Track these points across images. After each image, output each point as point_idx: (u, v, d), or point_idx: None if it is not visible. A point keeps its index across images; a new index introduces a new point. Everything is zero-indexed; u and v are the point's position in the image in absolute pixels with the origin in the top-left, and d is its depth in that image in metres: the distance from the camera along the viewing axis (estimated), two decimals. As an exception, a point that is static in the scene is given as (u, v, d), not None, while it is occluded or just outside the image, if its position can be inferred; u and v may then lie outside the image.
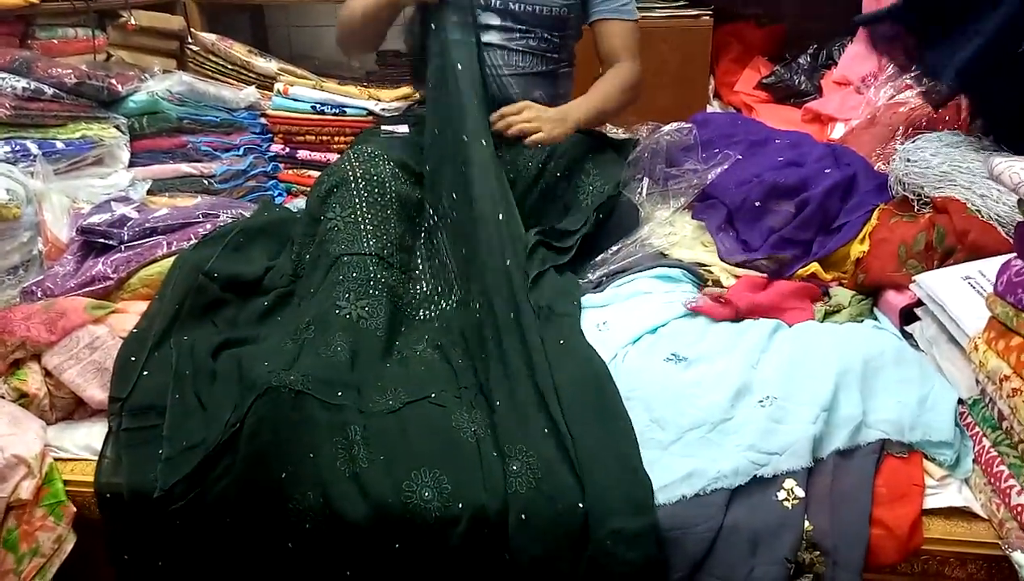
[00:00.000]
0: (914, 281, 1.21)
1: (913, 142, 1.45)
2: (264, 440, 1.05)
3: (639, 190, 1.52)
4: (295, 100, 2.07)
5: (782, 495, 0.99)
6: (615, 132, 1.84)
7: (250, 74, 2.18)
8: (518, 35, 1.68)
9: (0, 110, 1.56)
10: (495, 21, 1.66)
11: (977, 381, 1.05)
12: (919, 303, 1.21)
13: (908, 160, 1.40)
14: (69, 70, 1.70)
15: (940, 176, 1.33)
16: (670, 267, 1.40)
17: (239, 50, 2.20)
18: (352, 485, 1.01)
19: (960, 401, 1.08)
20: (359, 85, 2.12)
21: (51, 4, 1.90)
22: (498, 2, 1.65)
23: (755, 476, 1.00)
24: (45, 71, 1.67)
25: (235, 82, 2.17)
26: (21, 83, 1.60)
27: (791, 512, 0.97)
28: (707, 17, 2.37)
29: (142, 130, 1.86)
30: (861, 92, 1.98)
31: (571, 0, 1.71)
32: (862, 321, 1.28)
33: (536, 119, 1.58)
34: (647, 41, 2.34)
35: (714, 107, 2.46)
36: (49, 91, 1.65)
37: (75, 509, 1.15)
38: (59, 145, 1.67)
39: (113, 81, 1.80)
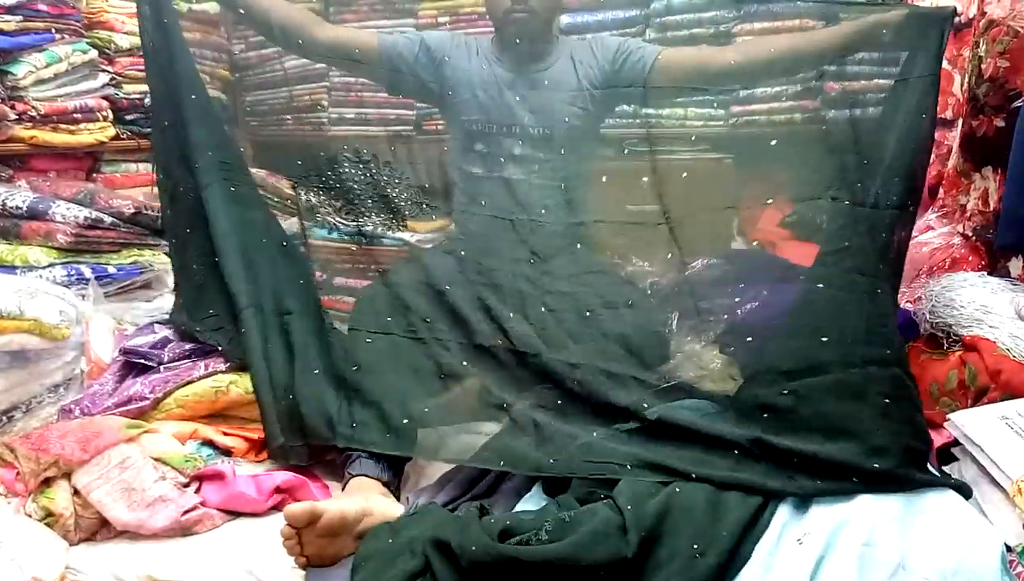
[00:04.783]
0: (948, 419, 1.19)
1: (939, 282, 1.48)
2: None
3: (670, 323, 1.55)
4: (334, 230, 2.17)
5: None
6: (639, 264, 1.88)
7: (295, 206, 2.30)
8: (537, 166, 1.73)
9: (62, 238, 1.67)
10: (517, 150, 1.72)
11: (1024, 526, 1.01)
12: (956, 442, 1.19)
13: (935, 300, 1.42)
14: (128, 201, 1.82)
15: (968, 316, 1.34)
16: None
17: (286, 184, 2.33)
18: None
19: (1008, 548, 1.04)
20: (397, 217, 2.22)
21: (117, 142, 2.07)
22: (518, 128, 1.71)
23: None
24: (106, 202, 1.79)
25: (280, 213, 2.28)
26: (84, 213, 1.72)
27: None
28: (729, 160, 2.48)
29: (190, 257, 1.95)
30: (883, 232, 2.03)
31: (587, 109, 1.73)
32: (898, 460, 1.25)
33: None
34: (672, 180, 2.44)
35: (739, 243, 2.52)
36: (108, 220, 1.76)
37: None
38: (111, 270, 1.76)
39: (168, 211, 1.91)
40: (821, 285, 1.36)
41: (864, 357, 1.21)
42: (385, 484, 1.29)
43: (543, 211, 1.75)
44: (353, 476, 1.30)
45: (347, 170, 1.87)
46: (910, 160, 1.35)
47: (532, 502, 1.20)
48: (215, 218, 1.56)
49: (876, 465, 1.10)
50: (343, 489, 1.30)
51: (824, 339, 1.27)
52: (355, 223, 2.10)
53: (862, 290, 1.28)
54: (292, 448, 1.37)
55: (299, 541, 1.10)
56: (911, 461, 1.13)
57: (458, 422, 1.46)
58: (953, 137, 1.74)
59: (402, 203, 1.89)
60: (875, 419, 1.15)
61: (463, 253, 1.66)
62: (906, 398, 1.18)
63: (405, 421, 1.35)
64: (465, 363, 1.49)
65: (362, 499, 1.19)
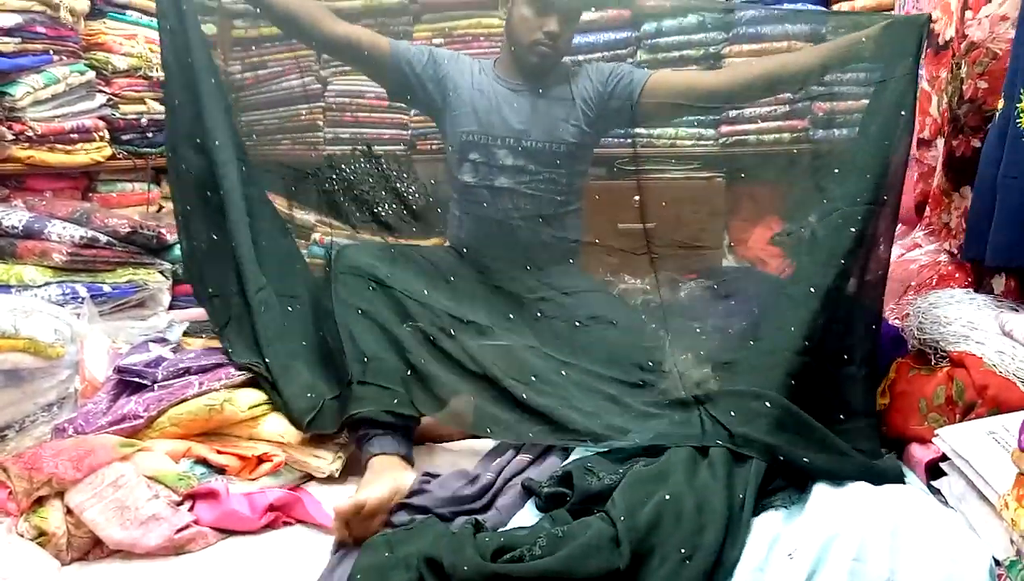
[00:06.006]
0: (937, 435, 1.20)
1: (926, 299, 1.50)
2: None
3: (662, 341, 1.56)
4: (328, 249, 2.18)
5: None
6: (631, 281, 1.90)
7: (290, 225, 2.31)
8: (528, 177, 1.75)
9: (57, 256, 1.68)
10: (509, 161, 1.75)
11: (1012, 541, 1.02)
12: (945, 457, 1.20)
13: (923, 316, 1.44)
14: (124, 220, 1.83)
15: (954, 332, 1.36)
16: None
17: (281, 203, 2.34)
18: None
19: (997, 562, 1.05)
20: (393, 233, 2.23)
21: (113, 162, 2.08)
22: (512, 140, 1.75)
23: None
24: (102, 221, 1.80)
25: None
26: (79, 232, 1.73)
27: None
28: (720, 179, 2.51)
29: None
30: (872, 250, 2.05)
31: (581, 128, 1.76)
32: (888, 475, 1.26)
33: None
34: (664, 198, 2.47)
35: (729, 261, 2.54)
36: (103, 239, 1.77)
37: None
38: (106, 289, 1.77)
39: (163, 230, 1.93)
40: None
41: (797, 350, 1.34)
42: (403, 457, 1.37)
43: (537, 223, 1.79)
44: (374, 455, 1.36)
45: (362, 165, 1.97)
46: (885, 155, 1.38)
47: (526, 518, 1.21)
48: (229, 199, 1.61)
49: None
50: (364, 466, 1.36)
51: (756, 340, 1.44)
52: (371, 214, 2.13)
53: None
54: (321, 413, 1.44)
55: (348, 530, 1.19)
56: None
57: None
58: (933, 156, 1.77)
59: (410, 197, 1.99)
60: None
61: (464, 250, 1.76)
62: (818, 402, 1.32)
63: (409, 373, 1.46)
64: (452, 348, 1.55)
65: (391, 480, 1.27)
